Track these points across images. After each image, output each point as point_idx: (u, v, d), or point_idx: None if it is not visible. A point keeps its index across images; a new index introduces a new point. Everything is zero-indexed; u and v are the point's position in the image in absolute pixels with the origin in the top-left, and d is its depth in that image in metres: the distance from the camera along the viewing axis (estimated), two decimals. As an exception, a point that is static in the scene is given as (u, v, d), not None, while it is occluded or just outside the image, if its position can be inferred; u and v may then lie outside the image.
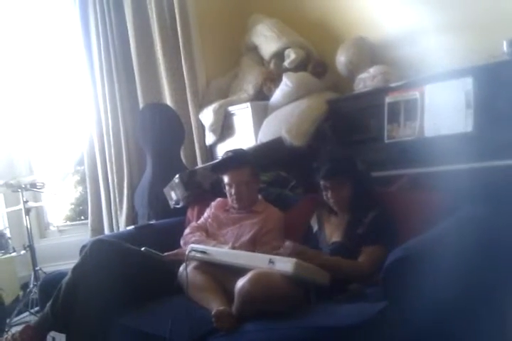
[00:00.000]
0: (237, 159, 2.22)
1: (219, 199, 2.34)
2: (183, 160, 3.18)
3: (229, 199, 2.23)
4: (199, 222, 2.32)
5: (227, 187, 2.20)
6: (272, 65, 3.06)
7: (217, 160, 2.54)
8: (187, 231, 2.25)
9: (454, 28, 2.40)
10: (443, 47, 2.41)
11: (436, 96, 2.16)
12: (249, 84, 3.10)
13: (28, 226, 3.13)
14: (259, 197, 2.30)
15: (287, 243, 1.71)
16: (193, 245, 1.88)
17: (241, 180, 2.16)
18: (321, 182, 1.91)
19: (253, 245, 2.06)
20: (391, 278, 1.37)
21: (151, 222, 2.65)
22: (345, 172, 1.88)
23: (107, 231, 3.40)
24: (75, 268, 1.94)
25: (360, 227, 1.81)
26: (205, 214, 2.33)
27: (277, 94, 2.90)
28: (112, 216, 3.41)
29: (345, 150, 2.42)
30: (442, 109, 2.13)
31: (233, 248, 1.98)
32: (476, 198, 1.65)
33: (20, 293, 3.29)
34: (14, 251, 3.21)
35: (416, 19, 2.50)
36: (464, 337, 1.31)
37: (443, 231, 1.53)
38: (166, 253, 2.06)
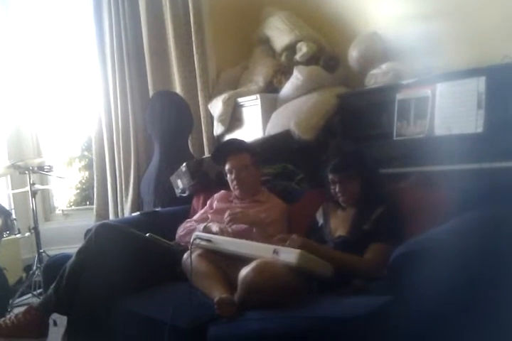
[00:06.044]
0: (234, 144, 2.24)
1: (222, 191, 2.34)
2: (191, 150, 3.18)
3: (231, 187, 2.23)
4: (194, 217, 2.32)
5: (228, 175, 2.21)
6: (283, 58, 3.05)
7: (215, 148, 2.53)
8: (180, 229, 2.25)
9: (470, 27, 2.38)
10: (457, 46, 2.40)
11: (448, 95, 2.15)
12: (259, 76, 3.10)
13: (34, 209, 3.15)
14: (263, 188, 2.31)
15: (294, 236, 1.72)
16: (197, 233, 1.90)
17: (241, 165, 2.17)
18: (330, 176, 1.90)
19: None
20: (396, 272, 1.36)
21: (157, 209, 2.66)
22: (354, 166, 1.88)
23: (111, 217, 3.42)
24: (79, 251, 1.95)
25: (366, 223, 1.80)
26: (205, 208, 2.33)
27: (287, 87, 2.89)
28: (117, 202, 3.43)
29: (354, 145, 2.42)
30: (453, 108, 2.11)
31: (221, 232, 1.96)
32: (484, 198, 1.64)
33: (23, 275, 3.32)
34: (19, 232, 3.23)
35: (432, 16, 2.49)
36: (468, 332, 1.31)
37: (449, 229, 1.53)
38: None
